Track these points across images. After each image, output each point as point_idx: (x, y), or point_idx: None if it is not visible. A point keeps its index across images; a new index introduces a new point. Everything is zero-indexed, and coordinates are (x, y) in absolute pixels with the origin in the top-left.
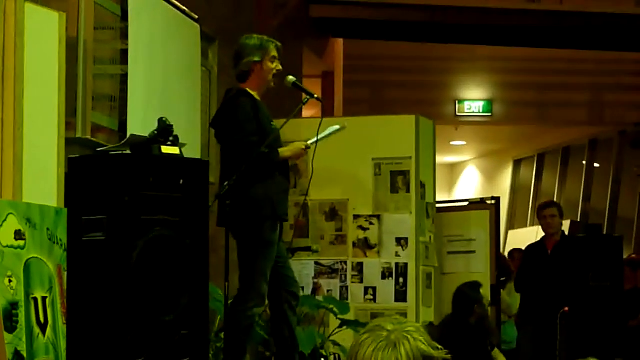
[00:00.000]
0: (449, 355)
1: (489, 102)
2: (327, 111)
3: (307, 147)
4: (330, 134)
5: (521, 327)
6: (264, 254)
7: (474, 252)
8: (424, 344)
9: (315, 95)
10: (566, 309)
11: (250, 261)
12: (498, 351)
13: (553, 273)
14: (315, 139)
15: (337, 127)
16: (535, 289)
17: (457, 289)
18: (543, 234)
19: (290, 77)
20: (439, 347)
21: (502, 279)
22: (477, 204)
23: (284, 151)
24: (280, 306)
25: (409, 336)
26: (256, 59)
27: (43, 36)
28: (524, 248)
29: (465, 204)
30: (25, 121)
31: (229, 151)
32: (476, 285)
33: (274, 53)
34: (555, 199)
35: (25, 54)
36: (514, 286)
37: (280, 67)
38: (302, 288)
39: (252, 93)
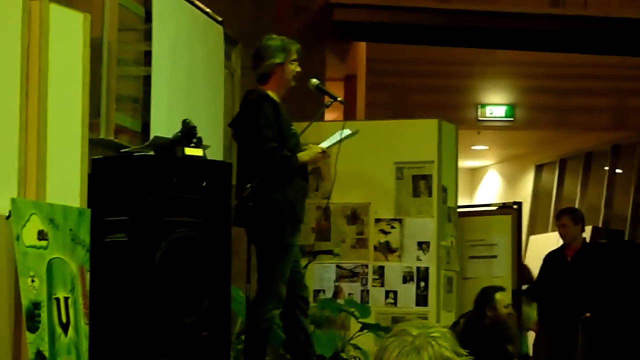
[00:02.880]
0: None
1: (511, 107)
2: (350, 115)
3: (324, 151)
4: (343, 139)
5: (537, 334)
6: (283, 257)
7: (495, 256)
8: (447, 350)
9: (339, 98)
10: (588, 315)
11: (270, 264)
12: None
13: (573, 280)
14: (328, 142)
15: (348, 131)
16: (554, 296)
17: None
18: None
19: (314, 80)
20: (464, 353)
21: (523, 287)
22: (499, 209)
23: (302, 155)
24: (292, 311)
25: (433, 342)
26: (278, 60)
27: (67, 37)
28: (539, 255)
29: (489, 208)
30: (49, 122)
31: (247, 154)
32: (492, 289)
33: (295, 55)
34: (576, 205)
35: (50, 55)
36: (529, 294)
37: (299, 69)
38: (323, 291)
39: (273, 95)
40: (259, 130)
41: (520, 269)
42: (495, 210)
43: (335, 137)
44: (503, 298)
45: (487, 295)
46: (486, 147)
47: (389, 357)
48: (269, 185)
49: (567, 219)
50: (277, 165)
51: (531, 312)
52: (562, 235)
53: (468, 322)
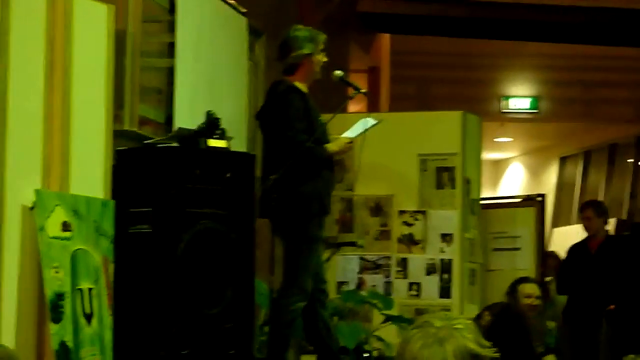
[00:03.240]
0: (497, 354)
1: (536, 99)
2: (373, 106)
3: (351, 141)
4: (368, 129)
5: (560, 327)
6: (310, 249)
7: (519, 249)
8: (471, 342)
9: (362, 90)
10: (612, 307)
11: (296, 256)
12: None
13: (597, 272)
14: (352, 132)
15: (373, 120)
16: (578, 288)
17: None
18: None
19: (338, 72)
20: (487, 344)
21: (546, 279)
22: (523, 201)
23: (331, 146)
24: (312, 303)
25: (457, 334)
26: (306, 51)
27: (91, 28)
28: (562, 248)
29: (513, 200)
30: (73, 113)
31: (275, 145)
32: (518, 280)
33: (322, 45)
34: (600, 197)
35: (74, 47)
36: (556, 287)
37: (326, 59)
38: (347, 283)
39: (301, 86)
40: (288, 122)
41: (545, 258)
42: (519, 202)
43: (359, 127)
44: (524, 288)
45: (511, 286)
46: (510, 139)
47: (412, 348)
48: (297, 177)
49: (591, 211)
50: (305, 156)
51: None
52: (586, 228)
53: (496, 314)
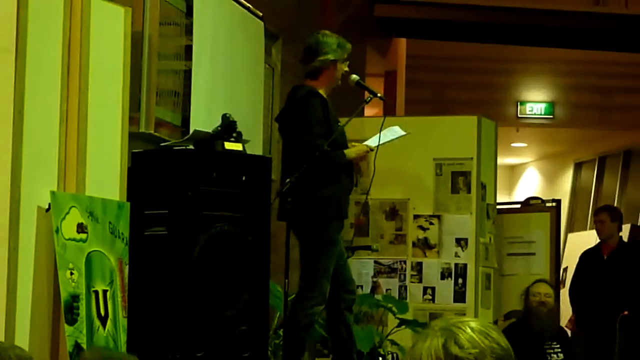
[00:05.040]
0: (471, 357)
1: (551, 105)
2: (390, 110)
3: (371, 150)
4: (394, 139)
5: (573, 333)
6: (327, 253)
7: (533, 254)
8: (453, 341)
9: (379, 94)
10: (626, 312)
11: (314, 260)
12: None
13: (610, 278)
14: (376, 141)
15: (401, 131)
16: (591, 294)
17: None
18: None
19: (354, 76)
20: (473, 348)
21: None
22: (537, 206)
23: (350, 152)
24: (337, 306)
25: (444, 333)
26: (332, 57)
27: (108, 31)
28: (577, 253)
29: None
30: (90, 115)
31: (294, 149)
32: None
33: (347, 54)
34: (615, 203)
35: (91, 49)
36: (568, 294)
37: (347, 69)
38: (361, 287)
39: (322, 92)
40: (308, 127)
41: (557, 263)
42: (533, 207)
43: (386, 137)
44: (534, 287)
45: (525, 290)
46: (525, 145)
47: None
48: (314, 181)
49: (605, 215)
50: (321, 161)
51: None
52: (598, 232)
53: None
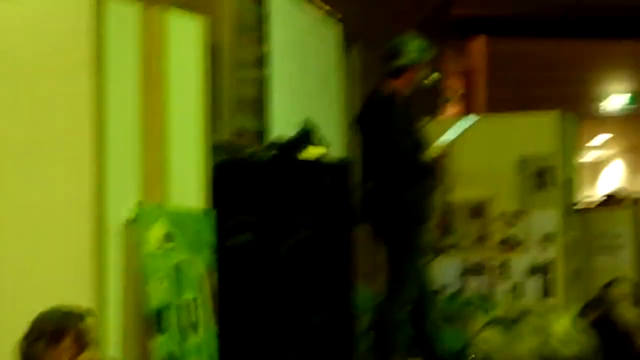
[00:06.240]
0: (570, 353)
1: (634, 96)
2: (470, 109)
3: (449, 147)
4: (463, 130)
5: None
6: (413, 256)
7: (619, 248)
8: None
9: (457, 94)
10: None
11: (400, 263)
12: None
13: None
14: (450, 137)
15: (468, 121)
16: None
17: None
18: None
19: (433, 75)
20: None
21: None
22: (621, 200)
23: (431, 152)
24: (421, 305)
25: (541, 332)
26: (417, 59)
27: (186, 41)
28: None
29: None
30: (170, 126)
31: (376, 151)
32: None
33: (429, 58)
34: None
35: (169, 59)
36: None
37: (427, 72)
38: (448, 286)
39: (402, 92)
40: (391, 129)
41: None
42: (618, 201)
43: (457, 129)
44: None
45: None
46: (609, 137)
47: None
48: (400, 185)
49: None
50: (406, 164)
51: None
52: None
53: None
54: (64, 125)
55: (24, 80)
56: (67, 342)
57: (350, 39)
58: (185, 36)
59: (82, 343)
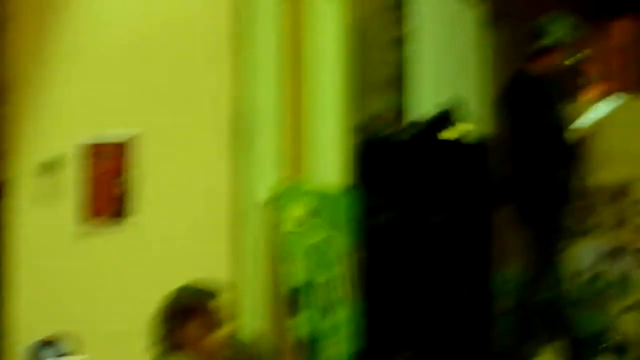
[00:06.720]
0: None
1: None
2: (617, 89)
3: (594, 128)
4: (609, 111)
5: None
6: (557, 238)
7: None
8: None
9: (602, 74)
10: None
11: (548, 245)
12: None
13: None
14: (591, 120)
15: (614, 102)
16: None
17: None
18: None
19: (577, 55)
20: None
21: None
22: None
23: (576, 133)
24: (554, 292)
25: None
26: (562, 40)
27: (326, 22)
28: None
29: None
30: (310, 108)
31: (521, 131)
32: None
33: (575, 37)
34: None
35: (308, 42)
36: None
37: (574, 53)
38: (583, 272)
39: (546, 74)
40: (539, 110)
41: None
42: None
43: (602, 110)
44: None
45: None
46: None
47: None
48: (546, 166)
49: None
50: (551, 145)
51: None
52: None
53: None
54: (206, 106)
55: (168, 63)
56: (197, 321)
57: (495, 17)
58: (326, 17)
59: (212, 321)
